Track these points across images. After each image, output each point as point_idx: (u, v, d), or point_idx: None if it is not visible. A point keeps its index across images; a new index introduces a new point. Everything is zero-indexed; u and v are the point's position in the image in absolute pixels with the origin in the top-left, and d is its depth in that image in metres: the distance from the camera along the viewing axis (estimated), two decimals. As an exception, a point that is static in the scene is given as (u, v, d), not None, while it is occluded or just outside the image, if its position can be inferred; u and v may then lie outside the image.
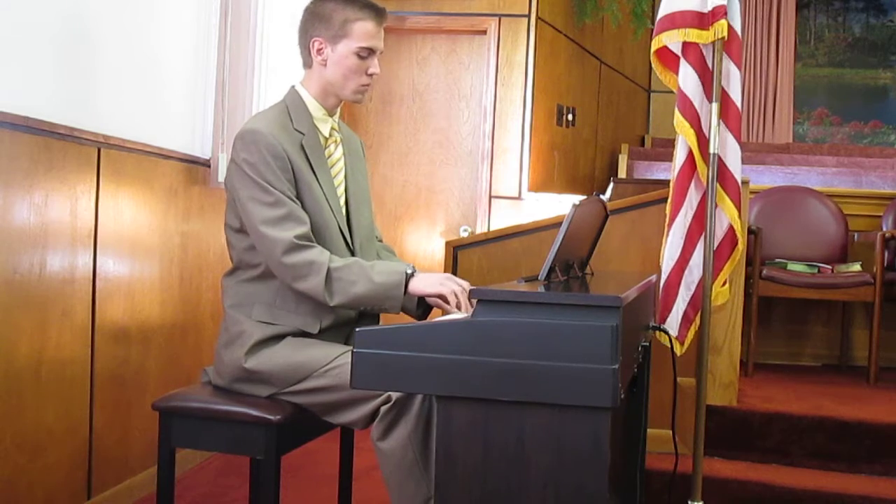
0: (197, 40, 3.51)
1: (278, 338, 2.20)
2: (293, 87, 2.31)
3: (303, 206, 2.18)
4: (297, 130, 2.22)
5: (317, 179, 2.22)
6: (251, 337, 2.18)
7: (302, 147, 2.21)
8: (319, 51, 2.24)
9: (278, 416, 2.12)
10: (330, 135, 2.31)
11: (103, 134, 2.86)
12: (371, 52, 2.24)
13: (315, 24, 2.24)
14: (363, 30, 2.21)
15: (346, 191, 2.34)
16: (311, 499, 3.20)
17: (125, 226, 3.01)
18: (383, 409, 2.02)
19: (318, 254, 2.11)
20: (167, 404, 2.20)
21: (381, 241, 2.58)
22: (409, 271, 2.14)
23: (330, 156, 2.31)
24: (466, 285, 2.15)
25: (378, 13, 2.25)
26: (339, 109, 2.35)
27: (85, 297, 2.81)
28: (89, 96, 2.84)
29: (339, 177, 2.32)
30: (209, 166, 3.53)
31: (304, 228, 2.14)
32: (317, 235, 2.19)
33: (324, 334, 2.24)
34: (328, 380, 2.11)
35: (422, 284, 2.13)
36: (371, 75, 2.26)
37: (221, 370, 2.25)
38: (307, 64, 2.29)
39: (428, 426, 1.98)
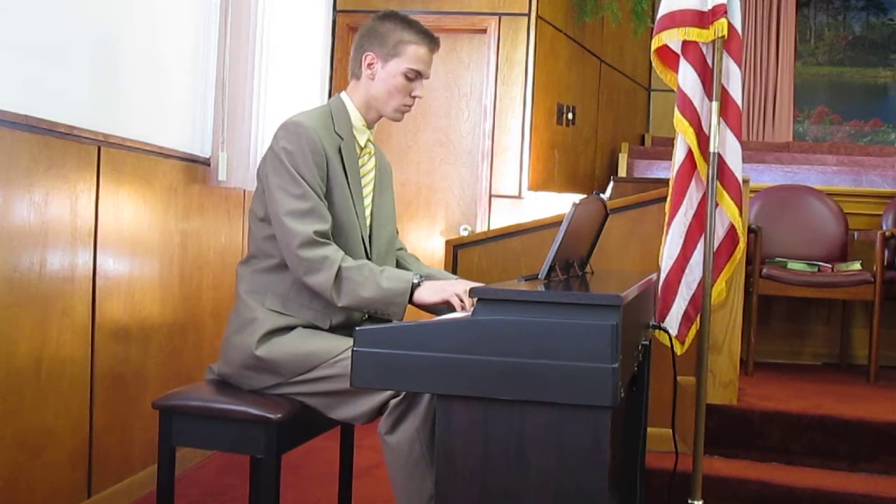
0: (197, 40, 3.51)
1: (289, 328, 2.22)
2: (338, 94, 2.38)
3: (331, 206, 2.23)
4: (337, 134, 2.29)
5: (348, 183, 2.28)
6: (263, 325, 2.20)
7: (339, 150, 2.27)
8: (370, 65, 2.32)
9: (278, 415, 2.12)
10: (365, 146, 2.38)
11: (103, 132, 2.86)
12: (418, 75, 2.33)
13: (371, 40, 2.32)
14: (416, 53, 2.31)
15: (372, 202, 2.39)
16: (311, 497, 3.20)
17: (125, 224, 3.01)
18: (392, 402, 2.04)
19: (332, 252, 2.15)
20: (167, 403, 2.21)
21: (404, 249, 2.61)
22: (416, 280, 2.18)
23: (363, 165, 2.37)
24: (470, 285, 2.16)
25: (432, 41, 2.35)
26: (375, 125, 2.41)
27: (85, 296, 2.81)
28: (89, 95, 2.84)
29: (368, 188, 2.38)
30: (209, 165, 3.53)
31: (326, 226, 2.18)
32: (339, 236, 2.24)
33: (333, 331, 2.26)
34: (337, 370, 2.13)
35: (426, 294, 2.18)
36: (414, 98, 2.34)
37: (230, 356, 2.26)
38: (356, 76, 2.36)
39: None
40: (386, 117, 2.38)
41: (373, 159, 2.42)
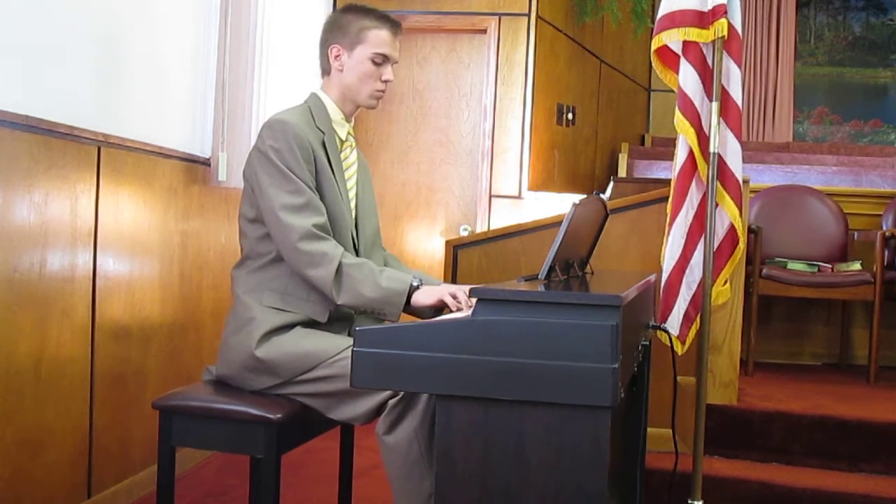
0: (197, 40, 3.51)
1: (287, 327, 2.23)
2: (313, 92, 2.40)
3: (321, 199, 2.24)
4: (318, 128, 2.31)
5: (334, 177, 2.30)
6: (261, 325, 2.21)
7: (323, 144, 2.29)
8: (337, 57, 2.34)
9: (278, 415, 2.12)
10: (346, 139, 2.40)
11: (103, 133, 2.86)
12: (385, 59, 2.35)
13: (334, 33, 2.35)
14: (378, 37, 2.33)
15: (356, 195, 2.41)
16: (311, 497, 3.20)
17: (125, 225, 3.01)
18: (391, 402, 2.04)
19: (332, 247, 2.17)
20: (167, 403, 2.21)
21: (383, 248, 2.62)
22: (415, 283, 2.19)
23: (345, 158, 2.39)
24: (466, 289, 2.17)
25: (393, 24, 2.36)
26: (353, 118, 2.43)
27: (85, 296, 2.81)
28: (89, 95, 2.84)
29: (351, 181, 2.40)
30: (209, 165, 3.53)
31: (322, 219, 2.20)
32: (330, 228, 2.24)
33: (332, 324, 2.27)
34: (336, 369, 2.13)
35: (423, 297, 2.19)
36: (385, 82, 2.36)
37: (229, 358, 2.26)
38: (326, 71, 2.39)
39: (434, 421, 1.98)
40: (361, 106, 2.40)
41: (354, 152, 2.44)
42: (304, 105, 2.36)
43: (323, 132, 2.30)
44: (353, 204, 2.38)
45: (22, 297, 2.51)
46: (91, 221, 2.82)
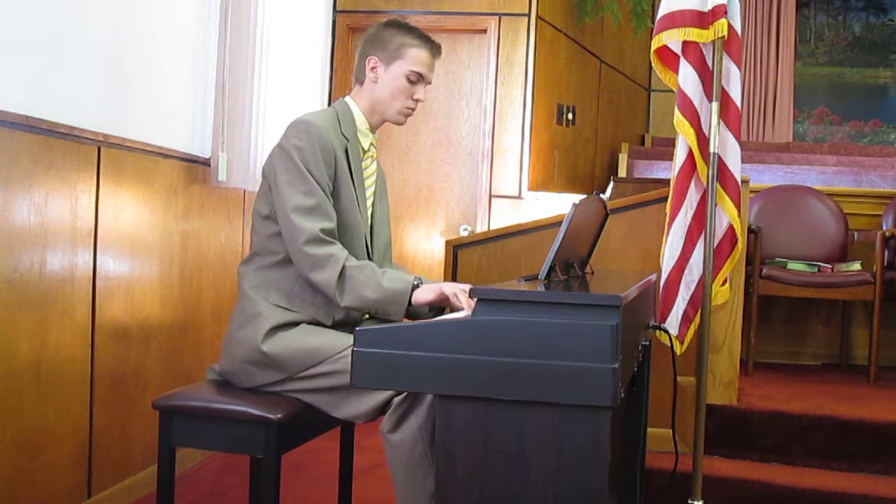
0: (197, 40, 3.51)
1: (293, 324, 2.24)
2: (342, 99, 2.43)
3: (337, 204, 2.27)
4: (343, 135, 2.33)
5: (353, 184, 2.32)
6: (267, 320, 2.22)
7: (346, 151, 2.32)
8: (373, 69, 2.37)
9: (279, 415, 2.12)
10: (368, 149, 2.42)
11: (103, 133, 2.86)
12: (421, 78, 2.38)
13: (374, 45, 2.39)
14: (416, 56, 2.36)
15: (373, 205, 2.44)
16: (311, 497, 3.20)
17: (125, 225, 3.01)
18: (396, 400, 2.04)
19: (338, 250, 2.19)
20: (167, 403, 2.21)
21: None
22: (416, 282, 2.21)
23: (366, 168, 2.42)
24: (467, 287, 2.19)
25: (433, 46, 2.40)
26: (378, 130, 2.46)
27: (85, 297, 2.81)
28: (90, 95, 2.84)
29: (370, 190, 2.43)
30: (209, 165, 3.53)
31: (331, 224, 2.22)
32: (344, 235, 2.27)
33: (336, 328, 2.28)
34: (341, 365, 2.14)
35: (423, 294, 2.21)
36: (416, 100, 2.39)
37: (234, 352, 2.27)
38: (360, 81, 2.42)
39: None
40: (389, 121, 2.42)
41: (375, 163, 2.46)
42: (332, 110, 2.38)
43: (347, 139, 2.33)
44: (369, 213, 2.41)
45: (22, 297, 2.51)
46: (91, 221, 2.82)
